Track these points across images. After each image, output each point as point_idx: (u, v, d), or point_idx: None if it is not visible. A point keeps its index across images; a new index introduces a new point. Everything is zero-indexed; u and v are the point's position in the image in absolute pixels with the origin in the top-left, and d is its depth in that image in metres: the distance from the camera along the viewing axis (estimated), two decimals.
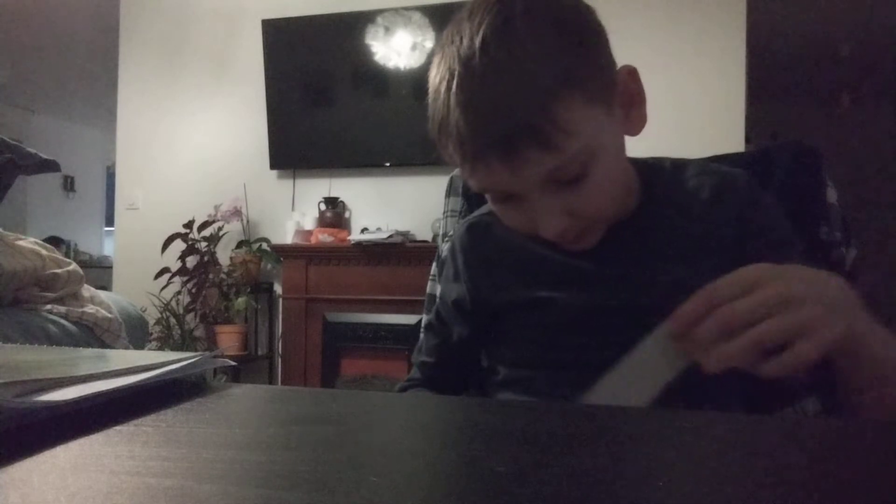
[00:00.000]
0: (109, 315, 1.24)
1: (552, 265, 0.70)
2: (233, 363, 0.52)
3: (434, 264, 0.96)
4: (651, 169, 0.72)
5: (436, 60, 0.62)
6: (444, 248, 0.92)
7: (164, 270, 3.13)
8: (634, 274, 0.66)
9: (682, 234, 0.68)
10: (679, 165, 0.73)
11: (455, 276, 0.78)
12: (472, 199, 0.93)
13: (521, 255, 0.72)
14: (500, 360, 0.75)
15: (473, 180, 0.62)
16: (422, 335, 0.83)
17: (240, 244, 3.30)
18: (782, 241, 0.69)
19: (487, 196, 0.66)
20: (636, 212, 0.69)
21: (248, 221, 3.35)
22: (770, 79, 4.59)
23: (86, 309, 1.20)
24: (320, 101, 3.29)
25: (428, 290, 0.95)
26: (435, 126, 0.62)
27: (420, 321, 0.91)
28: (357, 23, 3.18)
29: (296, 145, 3.32)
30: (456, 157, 0.61)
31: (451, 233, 0.93)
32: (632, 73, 0.64)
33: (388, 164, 3.22)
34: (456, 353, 0.78)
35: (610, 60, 0.62)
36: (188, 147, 3.55)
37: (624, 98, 0.64)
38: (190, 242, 3.16)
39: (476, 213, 0.80)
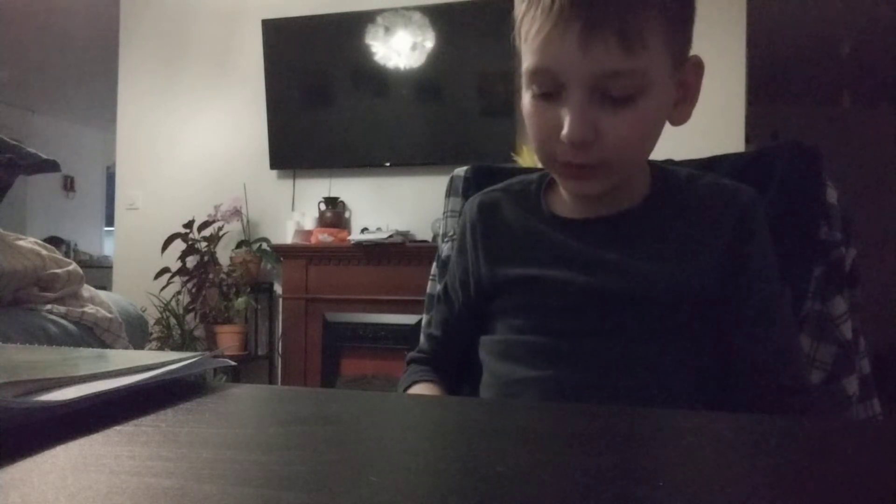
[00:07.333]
0: (109, 315, 1.24)
1: (552, 244, 0.72)
2: (233, 363, 0.52)
3: (434, 264, 0.96)
4: (665, 172, 0.74)
5: None
6: (445, 246, 0.93)
7: (164, 270, 3.13)
8: (630, 262, 0.68)
9: (681, 234, 0.69)
10: (694, 176, 0.73)
11: (461, 250, 0.80)
12: None
13: (523, 232, 0.74)
14: (492, 332, 0.75)
15: (543, 51, 0.62)
16: (424, 315, 0.87)
17: (240, 244, 3.30)
18: (761, 275, 0.68)
19: (531, 89, 0.65)
20: (641, 205, 0.71)
21: (248, 221, 3.35)
22: (770, 79, 4.58)
23: (86, 309, 1.20)
24: (320, 101, 3.29)
25: (428, 290, 0.95)
26: None
27: (420, 321, 0.92)
28: (357, 23, 3.18)
29: (296, 145, 3.32)
30: (537, 20, 0.61)
31: (451, 233, 0.93)
32: (699, 65, 0.67)
33: (388, 164, 3.22)
34: (460, 328, 0.81)
35: (692, 32, 0.66)
36: (188, 147, 3.55)
37: (682, 85, 0.66)
38: (190, 242, 3.16)
39: (486, 190, 0.82)
